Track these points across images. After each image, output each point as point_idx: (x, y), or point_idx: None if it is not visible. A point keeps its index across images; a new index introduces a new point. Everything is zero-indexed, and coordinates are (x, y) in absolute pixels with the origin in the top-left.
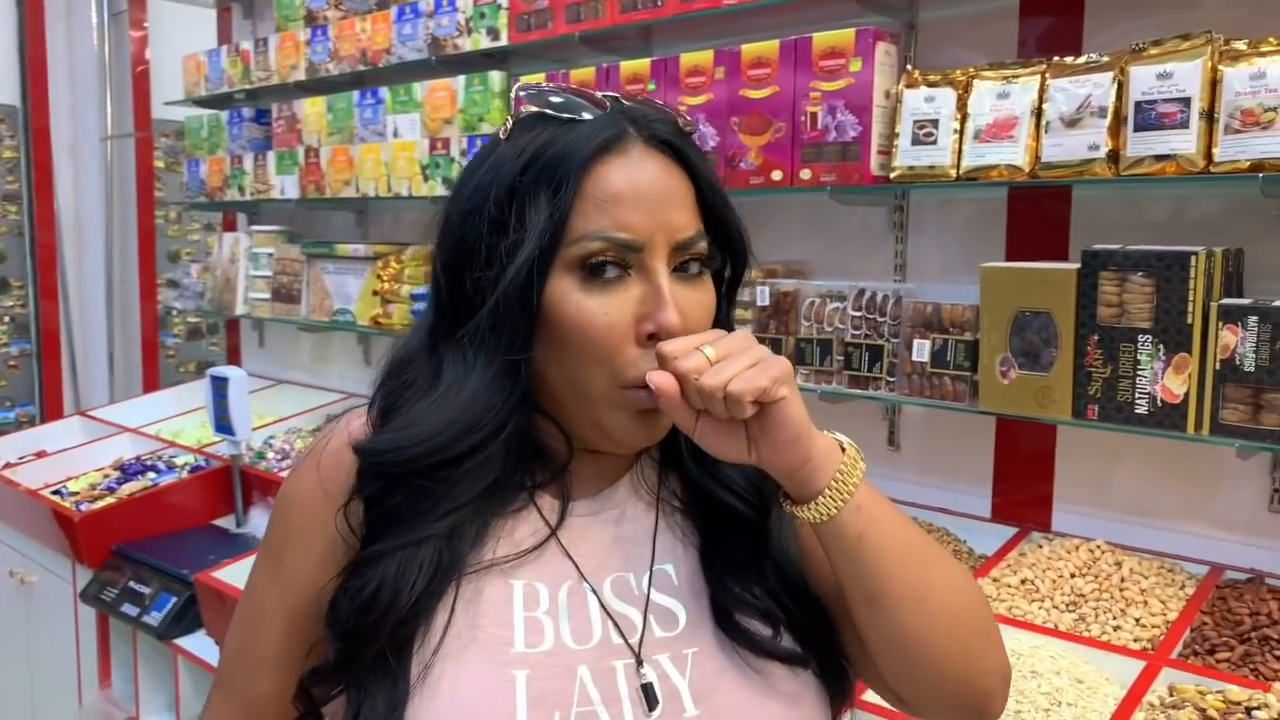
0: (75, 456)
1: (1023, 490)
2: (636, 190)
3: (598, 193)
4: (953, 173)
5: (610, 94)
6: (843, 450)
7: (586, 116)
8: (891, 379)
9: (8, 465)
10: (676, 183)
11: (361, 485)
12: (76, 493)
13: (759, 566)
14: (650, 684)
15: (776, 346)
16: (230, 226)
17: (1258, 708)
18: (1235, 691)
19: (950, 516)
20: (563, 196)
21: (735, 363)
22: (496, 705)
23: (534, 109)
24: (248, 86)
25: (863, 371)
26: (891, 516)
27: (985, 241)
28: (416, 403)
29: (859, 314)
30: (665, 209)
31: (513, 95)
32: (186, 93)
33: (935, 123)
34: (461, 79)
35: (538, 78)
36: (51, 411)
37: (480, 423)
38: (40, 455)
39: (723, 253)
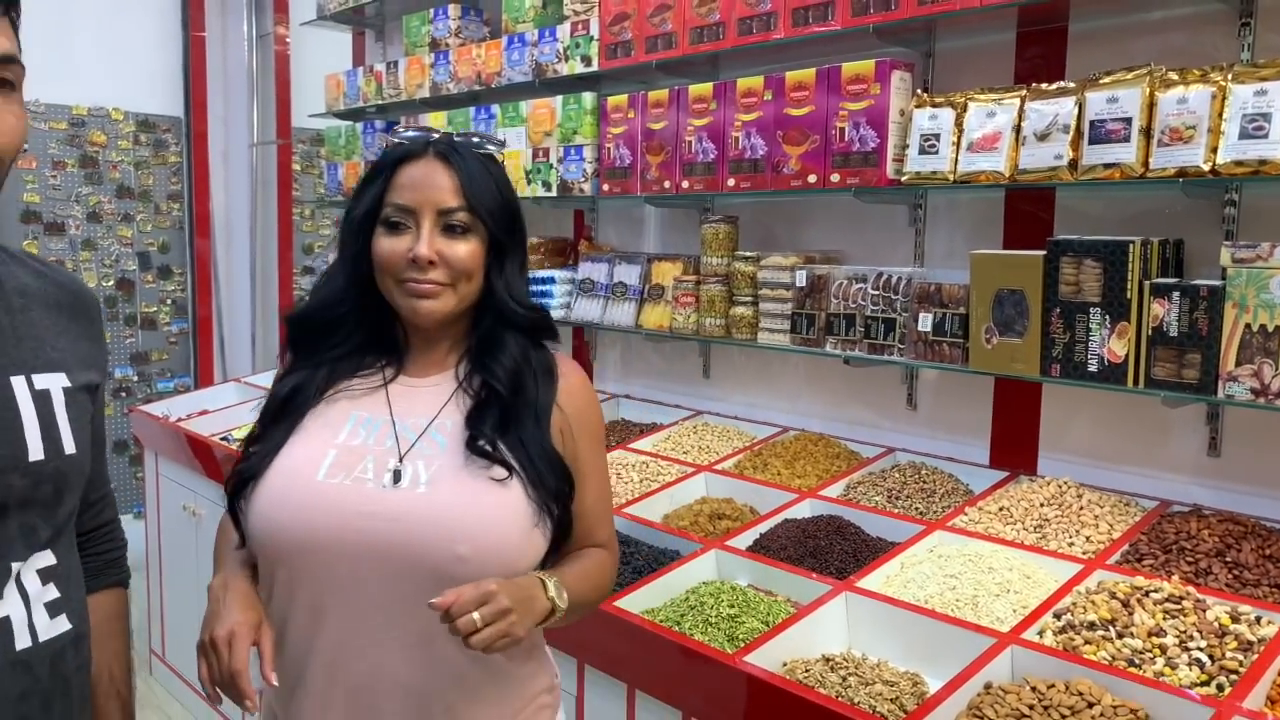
0: (231, 414)
1: (1014, 441)
2: (415, 180)
3: (397, 181)
4: (950, 177)
5: (445, 131)
6: (546, 591)
7: (406, 142)
8: (902, 346)
9: (179, 420)
10: (445, 178)
11: (288, 335)
12: (240, 439)
13: (505, 427)
14: (399, 470)
15: (811, 321)
16: None
17: (1155, 590)
18: (1140, 581)
19: (955, 464)
20: (381, 182)
21: (491, 629)
22: (312, 461)
23: (392, 138)
24: (380, 102)
25: (879, 340)
26: (574, 585)
27: (986, 234)
28: (315, 292)
29: (877, 292)
30: (434, 191)
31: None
32: (327, 106)
33: (937, 136)
34: (559, 98)
35: (621, 99)
36: (204, 381)
37: (340, 300)
38: (203, 413)
39: (483, 223)
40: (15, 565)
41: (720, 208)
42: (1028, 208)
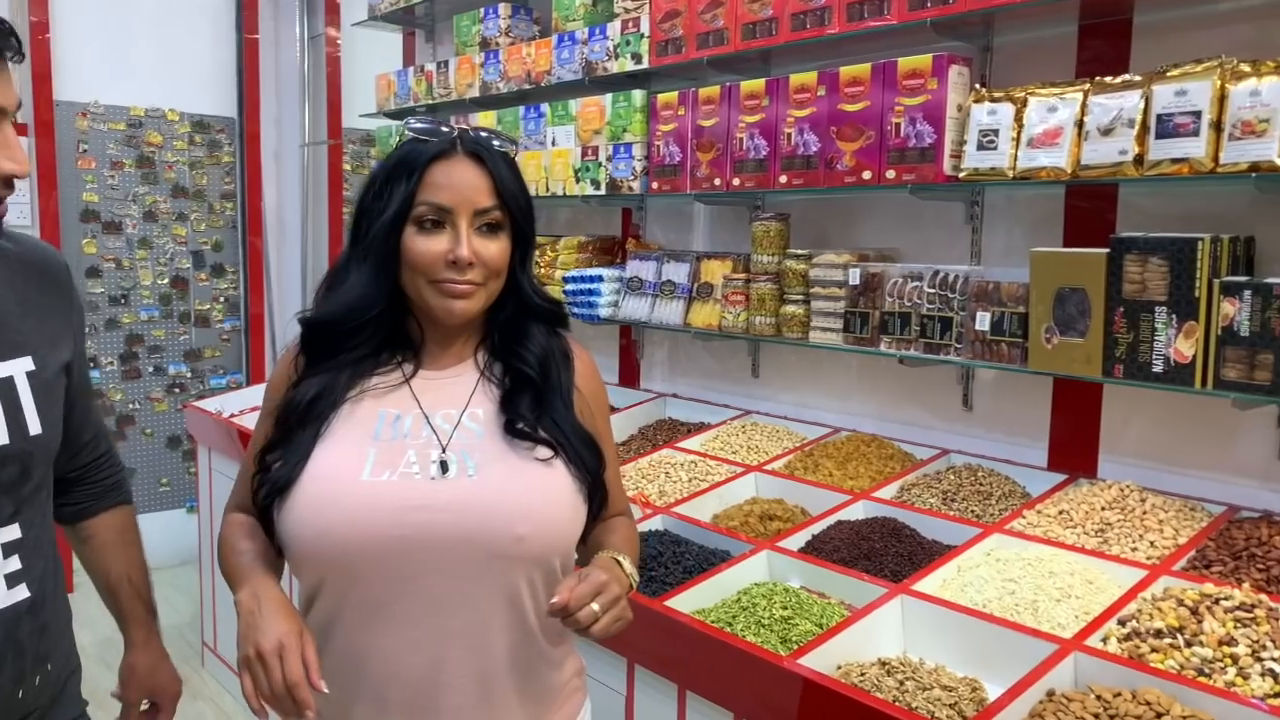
0: None
1: (1073, 443)
2: (450, 180)
3: (429, 180)
4: (1009, 173)
5: (460, 126)
6: (624, 569)
7: (433, 139)
8: (959, 345)
9: (231, 416)
10: (479, 177)
11: (302, 340)
12: None
13: (539, 411)
14: (446, 460)
15: (865, 319)
16: None
17: (1225, 598)
18: (1209, 588)
19: (1012, 466)
20: (412, 181)
21: (608, 616)
22: (353, 462)
23: (410, 134)
24: (430, 102)
25: (936, 339)
26: (633, 557)
27: (1045, 231)
28: (332, 294)
29: (934, 291)
30: (468, 191)
31: (404, 125)
32: (378, 106)
33: (996, 132)
34: (609, 96)
35: (671, 96)
36: (256, 378)
37: (362, 308)
38: (254, 409)
39: (513, 222)
40: None
41: (770, 205)
42: (1088, 204)
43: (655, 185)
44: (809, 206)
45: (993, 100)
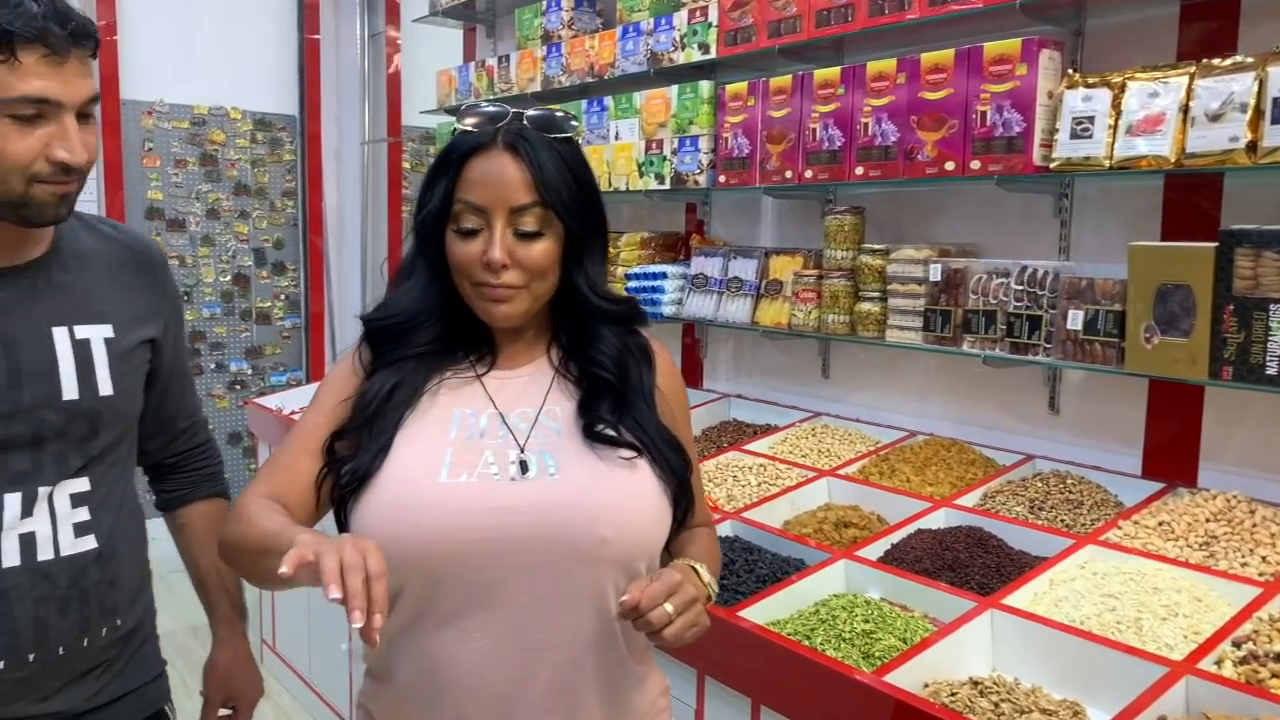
0: None
1: (1170, 450)
2: (484, 176)
3: (466, 176)
4: (1106, 163)
5: (515, 110)
6: (701, 578)
7: (474, 129)
8: (1048, 345)
9: (291, 413)
10: (515, 171)
11: (366, 337)
12: None
13: (620, 412)
14: (525, 460)
15: (946, 318)
16: None
17: None
18: None
19: (1103, 474)
20: (450, 178)
21: (682, 619)
22: (429, 463)
23: (459, 125)
24: (491, 96)
25: (1023, 339)
26: (714, 569)
27: (1142, 225)
28: (395, 293)
29: (1021, 287)
30: (505, 188)
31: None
32: (439, 102)
33: (1091, 119)
34: (675, 88)
35: (740, 87)
36: (316, 375)
37: (417, 311)
38: None
39: (559, 217)
40: (44, 489)
41: (842, 198)
42: (1190, 196)
43: (722, 179)
44: (883, 200)
45: (1087, 86)
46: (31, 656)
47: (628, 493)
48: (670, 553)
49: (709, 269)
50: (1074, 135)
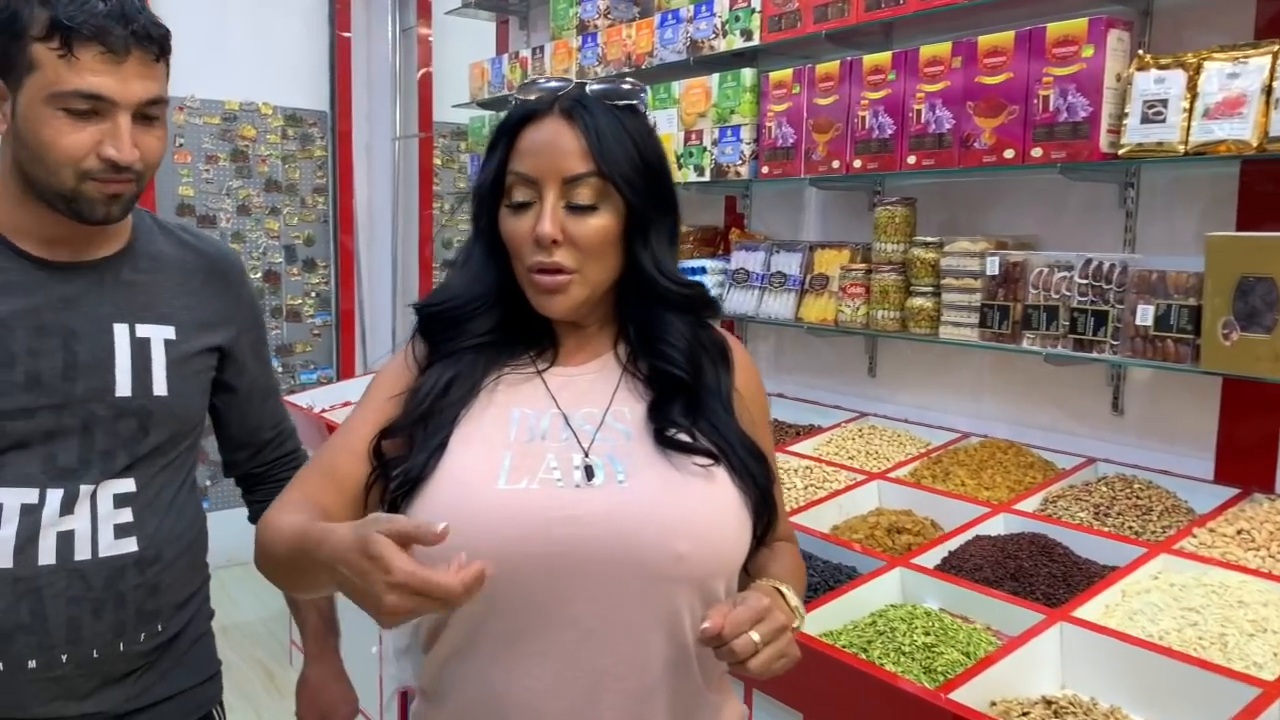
0: None
1: (1247, 453)
2: (536, 145)
3: (519, 146)
4: (1181, 148)
5: (577, 80)
6: (788, 602)
7: (530, 98)
8: (1115, 342)
9: (321, 410)
10: (570, 138)
11: (420, 325)
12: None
13: (695, 415)
14: (591, 465)
15: (1004, 313)
16: None
17: None
18: None
19: (1172, 478)
20: (503, 147)
21: (770, 649)
22: (487, 467)
23: (518, 95)
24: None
25: (1087, 335)
26: (800, 591)
27: (1214, 214)
28: (453, 278)
29: (1085, 281)
30: (558, 156)
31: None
32: (472, 95)
33: (1165, 102)
34: (715, 76)
35: (784, 74)
36: (346, 373)
37: (471, 296)
38: (345, 404)
39: (618, 190)
40: (86, 487)
41: (891, 189)
42: (1270, 184)
43: (765, 169)
44: (935, 190)
45: (1160, 67)
46: (64, 657)
47: (705, 502)
48: (748, 572)
49: (750, 263)
50: (1145, 120)
